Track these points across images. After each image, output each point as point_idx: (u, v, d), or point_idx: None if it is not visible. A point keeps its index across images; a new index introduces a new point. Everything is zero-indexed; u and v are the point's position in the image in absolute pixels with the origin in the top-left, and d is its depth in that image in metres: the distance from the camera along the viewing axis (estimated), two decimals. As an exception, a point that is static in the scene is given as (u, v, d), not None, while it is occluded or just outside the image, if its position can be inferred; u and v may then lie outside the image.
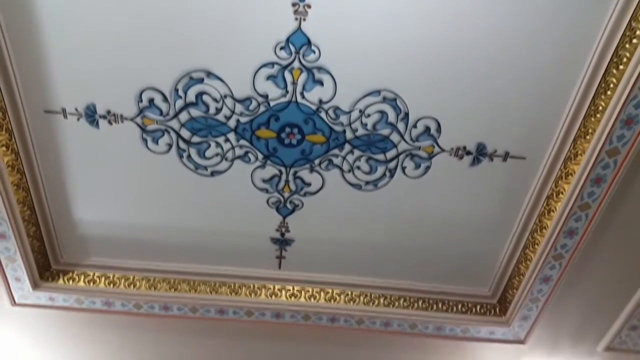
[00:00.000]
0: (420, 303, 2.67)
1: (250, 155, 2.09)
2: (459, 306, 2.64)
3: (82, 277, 2.51)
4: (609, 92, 1.82)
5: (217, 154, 2.09)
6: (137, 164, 2.13)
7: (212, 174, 2.16)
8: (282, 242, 2.48)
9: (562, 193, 2.10)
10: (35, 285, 2.49)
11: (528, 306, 2.53)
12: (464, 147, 2.04)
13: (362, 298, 2.68)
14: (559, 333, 2.70)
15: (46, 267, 2.50)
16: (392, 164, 2.11)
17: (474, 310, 2.65)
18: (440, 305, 2.66)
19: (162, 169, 2.14)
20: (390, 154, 2.07)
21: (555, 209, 2.14)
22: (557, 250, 2.25)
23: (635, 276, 2.46)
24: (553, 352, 2.80)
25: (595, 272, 2.41)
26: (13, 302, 2.56)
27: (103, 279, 2.51)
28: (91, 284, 2.50)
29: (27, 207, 2.23)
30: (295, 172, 2.17)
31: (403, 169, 2.12)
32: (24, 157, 2.10)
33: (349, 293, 2.67)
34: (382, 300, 2.67)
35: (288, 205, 2.32)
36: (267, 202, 2.30)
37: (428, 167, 2.12)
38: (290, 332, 2.75)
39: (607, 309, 2.60)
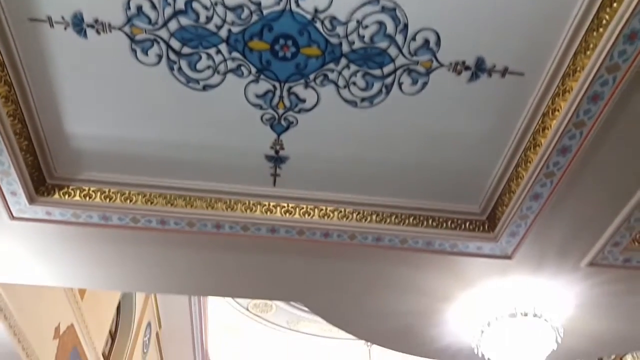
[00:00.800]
0: (411, 220, 2.73)
1: (243, 68, 2.04)
2: (449, 222, 2.71)
3: (78, 192, 2.53)
4: (614, 5, 1.76)
5: (208, 67, 2.04)
6: (127, 76, 2.08)
7: (204, 88, 2.12)
8: (277, 159, 2.49)
9: (558, 110, 2.09)
10: (31, 200, 2.51)
11: (517, 223, 2.59)
12: (463, 62, 2.00)
13: (354, 215, 2.73)
14: (545, 249, 2.79)
15: (41, 181, 2.51)
16: (388, 80, 2.07)
17: (463, 226, 2.71)
18: (430, 221, 2.72)
19: (152, 82, 2.10)
20: (388, 69, 2.03)
21: (550, 126, 2.14)
22: (549, 168, 2.27)
23: (622, 195, 2.51)
24: (538, 268, 2.91)
25: (584, 191, 2.46)
26: (11, 216, 2.59)
27: (99, 194, 2.53)
28: (87, 198, 2.53)
29: (18, 120, 2.20)
30: (290, 88, 2.13)
31: (400, 85, 2.09)
32: (11, 68, 2.04)
33: (342, 210, 2.71)
34: (374, 217, 2.73)
35: (282, 122, 2.30)
36: (261, 118, 2.27)
37: (425, 83, 2.08)
38: (285, 247, 2.82)
39: (593, 226, 2.68)
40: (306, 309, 9.93)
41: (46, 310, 4.38)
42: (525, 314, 3.06)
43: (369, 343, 8.42)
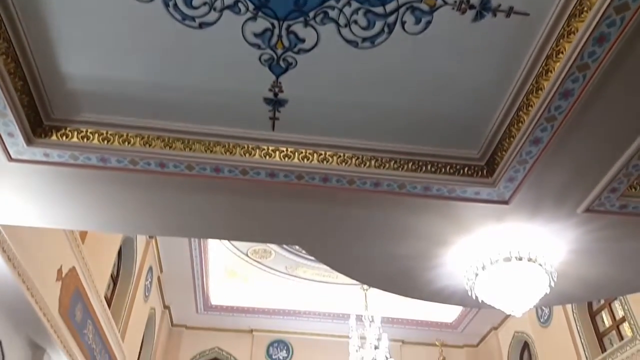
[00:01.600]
0: (409, 165, 2.73)
1: (240, 5, 1.98)
2: (447, 168, 2.71)
3: (75, 133, 2.51)
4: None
5: (204, 3, 1.97)
6: (122, 14, 2.02)
7: (201, 25, 2.06)
8: (276, 102, 2.46)
9: (562, 52, 2.04)
10: (29, 141, 2.50)
11: (515, 168, 2.59)
12: (468, 1, 1.94)
13: (353, 160, 2.73)
14: (542, 195, 2.81)
15: (38, 122, 2.49)
16: (391, 18, 2.02)
17: (461, 171, 2.72)
18: (429, 166, 2.72)
19: (148, 20, 2.04)
20: (390, 6, 1.97)
21: (554, 69, 2.10)
22: (551, 112, 2.25)
23: (622, 141, 2.49)
24: (534, 213, 2.94)
25: (584, 137, 2.44)
26: (9, 158, 2.59)
27: (96, 136, 2.52)
28: (85, 140, 2.51)
29: (11, 59, 2.16)
30: (289, 26, 2.07)
31: (402, 23, 2.03)
32: (1, 6, 1.98)
33: (341, 155, 2.71)
34: (373, 162, 2.72)
35: (281, 63, 2.25)
36: (260, 59, 2.22)
37: (429, 22, 2.02)
38: (284, 191, 2.84)
39: (591, 173, 2.68)
40: (304, 255, 10.12)
41: (48, 253, 4.45)
42: (520, 258, 3.12)
43: (365, 287, 8.64)
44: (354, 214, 3.04)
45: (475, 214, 2.97)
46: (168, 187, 2.80)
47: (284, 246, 9.83)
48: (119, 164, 2.62)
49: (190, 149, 2.59)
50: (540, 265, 3.16)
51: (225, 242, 9.67)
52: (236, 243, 9.71)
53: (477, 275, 3.27)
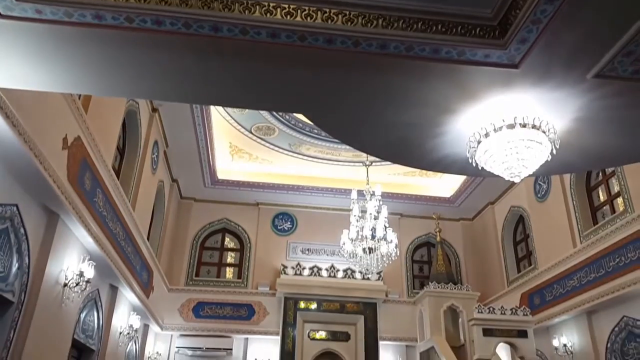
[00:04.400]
0: (419, 24, 2.60)
1: None
2: (459, 28, 2.59)
3: (66, -14, 2.36)
4: None
5: None
6: None
7: None
8: (277, -48, 2.28)
9: None
10: (17, -6, 2.37)
11: (528, 28, 2.47)
12: None
13: (359, 19, 2.60)
14: (553, 58, 2.71)
15: (24, -27, 2.33)
16: None
17: (472, 32, 2.60)
18: (439, 26, 2.59)
19: None
20: None
21: None
22: (572, -37, 2.09)
23: (643, 1, 2.35)
24: (543, 78, 2.86)
25: (602, -5, 2.29)
26: (-1, 14, 2.47)
27: (88, -12, 2.37)
28: (76, -8, 2.37)
29: None
30: None
31: None
32: None
33: (347, 13, 2.58)
34: (380, 21, 2.60)
35: None
36: None
37: None
38: (287, 54, 2.74)
39: (607, 35, 2.56)
40: (308, 132, 10.15)
41: (52, 121, 4.45)
42: (524, 125, 3.11)
43: (367, 162, 8.78)
44: (358, 80, 2.97)
45: (483, 79, 2.90)
46: (165, 48, 2.70)
47: (288, 123, 9.85)
48: (114, 21, 2.51)
49: (187, 5, 2.46)
50: (544, 132, 3.15)
51: (229, 118, 9.66)
52: (240, 120, 9.71)
53: (479, 142, 3.28)
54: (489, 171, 3.46)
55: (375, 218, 7.85)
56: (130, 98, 6.86)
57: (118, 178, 6.88)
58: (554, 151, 3.28)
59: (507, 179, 3.38)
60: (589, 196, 8.56)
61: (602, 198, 8.35)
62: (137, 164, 7.78)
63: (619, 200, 7.80)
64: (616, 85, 2.91)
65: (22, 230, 4.46)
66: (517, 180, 3.35)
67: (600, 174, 8.38)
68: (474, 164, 3.42)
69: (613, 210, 7.94)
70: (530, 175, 3.57)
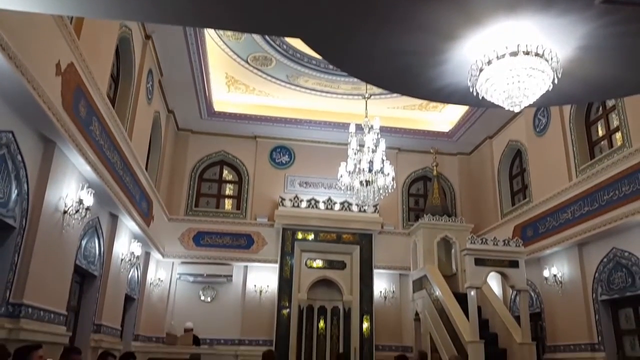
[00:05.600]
0: (423, -59, 2.47)
1: None
2: (465, -55, 2.46)
3: None
4: None
5: None
6: None
7: None
8: None
9: None
10: None
11: (538, -54, 2.35)
12: None
13: None
14: (562, -19, 2.60)
15: None
16: None
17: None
18: (444, -56, 2.47)
19: None
20: None
21: None
22: None
23: None
24: (550, 3, 2.75)
25: None
26: None
27: None
28: None
29: None
30: None
31: None
32: None
33: None
34: (382, -63, 2.46)
35: None
36: None
37: None
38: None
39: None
40: (305, 63, 9.93)
41: (43, 46, 4.33)
42: (527, 52, 3.04)
43: (366, 95, 8.66)
44: (357, 2, 2.85)
45: (488, 4, 2.79)
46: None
47: (285, 53, 9.60)
48: None
49: None
50: (547, 60, 3.08)
51: (224, 47, 9.40)
52: (236, 48, 9.45)
53: (481, 71, 3.22)
54: (489, 101, 3.41)
55: (373, 151, 7.85)
56: (118, 19, 6.58)
57: (113, 107, 6.80)
58: (556, 80, 3.22)
59: (507, 108, 3.34)
60: (588, 131, 8.54)
61: (600, 133, 8.33)
62: (132, 93, 7.66)
63: (618, 135, 7.78)
64: (625, 12, 2.80)
65: (19, 157, 4.46)
66: (517, 109, 3.32)
67: (601, 109, 8.31)
68: (475, 93, 3.37)
69: (611, 145, 7.95)
70: (530, 106, 3.52)
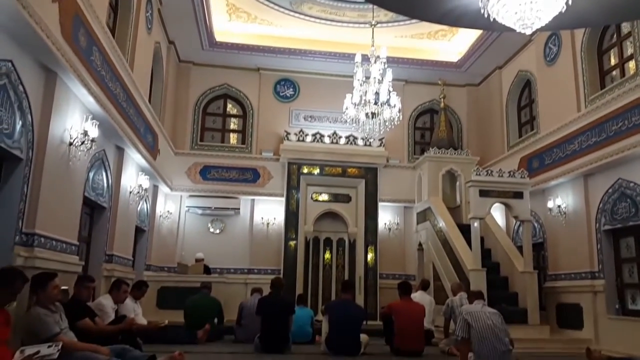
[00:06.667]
0: None
1: None
2: None
3: None
4: None
5: None
6: None
7: None
8: None
9: None
10: None
11: None
12: None
13: None
14: None
15: None
16: None
17: None
18: None
19: None
20: None
21: None
22: None
23: None
24: None
25: None
26: None
27: None
28: None
29: None
30: None
31: None
32: None
33: None
34: None
35: None
36: None
37: None
38: None
39: None
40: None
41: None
42: (542, -31, 2.89)
43: (373, 22, 8.37)
44: None
45: None
46: None
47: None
48: None
49: None
50: (563, -22, 2.94)
51: (226, -27, 9.02)
52: (237, -25, 9.06)
53: (493, -10, 3.08)
54: (500, 23, 3.29)
55: (380, 82, 7.70)
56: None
57: (114, 37, 6.63)
58: (570, 1, 3.08)
59: (518, 30, 3.22)
60: (600, 59, 8.30)
61: (613, 62, 8.09)
62: (131, 23, 7.45)
63: (631, 63, 7.56)
64: None
65: (20, 87, 4.40)
66: (528, 32, 3.20)
67: (615, 36, 8.03)
68: (486, 15, 3.24)
69: (623, 74, 7.74)
70: (542, 29, 3.39)
